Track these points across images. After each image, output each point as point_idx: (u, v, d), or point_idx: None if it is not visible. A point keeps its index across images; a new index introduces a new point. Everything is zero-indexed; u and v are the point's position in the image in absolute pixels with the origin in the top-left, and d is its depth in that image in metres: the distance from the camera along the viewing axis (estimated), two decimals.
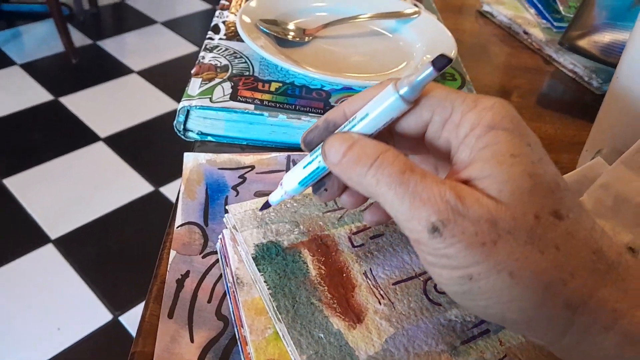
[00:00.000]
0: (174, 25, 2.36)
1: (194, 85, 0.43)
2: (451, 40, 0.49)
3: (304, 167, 0.27)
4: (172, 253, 0.33)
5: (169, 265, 0.32)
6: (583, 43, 0.54)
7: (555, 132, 0.50)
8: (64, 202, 1.49)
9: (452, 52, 0.47)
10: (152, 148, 1.70)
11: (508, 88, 0.56)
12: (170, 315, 0.30)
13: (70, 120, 1.77)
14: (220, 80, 0.44)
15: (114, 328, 1.20)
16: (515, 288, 0.21)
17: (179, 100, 0.42)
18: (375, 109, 0.24)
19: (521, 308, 0.21)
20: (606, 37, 0.52)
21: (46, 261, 1.33)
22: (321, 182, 0.28)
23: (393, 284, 0.31)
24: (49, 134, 1.71)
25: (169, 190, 1.55)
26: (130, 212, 1.48)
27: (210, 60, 0.46)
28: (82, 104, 1.84)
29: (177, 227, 0.35)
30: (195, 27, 2.37)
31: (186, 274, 0.32)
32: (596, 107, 0.42)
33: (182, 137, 0.43)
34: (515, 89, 0.56)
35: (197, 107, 0.41)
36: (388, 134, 0.26)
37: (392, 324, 0.29)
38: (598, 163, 0.36)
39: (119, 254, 1.37)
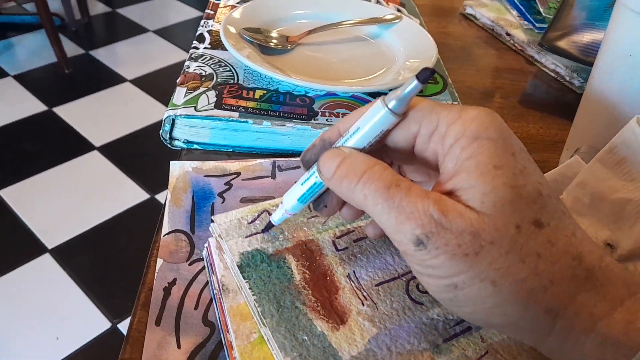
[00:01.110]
0: (165, 33, 2.37)
1: (179, 95, 0.44)
2: (432, 43, 0.50)
3: (302, 184, 0.29)
4: (159, 261, 0.34)
5: (155, 274, 0.33)
6: (562, 44, 0.54)
7: (537, 132, 0.51)
8: (60, 211, 1.49)
9: (433, 56, 0.48)
10: (147, 155, 1.70)
11: (491, 89, 0.57)
12: (158, 322, 0.30)
13: (65, 130, 1.77)
14: (205, 89, 0.44)
15: (113, 336, 1.20)
16: (499, 295, 0.22)
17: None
18: (366, 124, 0.26)
19: (504, 313, 0.22)
20: (585, 37, 0.53)
21: (43, 271, 1.33)
22: (320, 198, 0.29)
23: (376, 285, 0.32)
24: (44, 144, 1.71)
25: (164, 198, 1.55)
26: (127, 219, 1.48)
27: (195, 70, 0.47)
28: (76, 114, 1.84)
29: (164, 235, 0.36)
30: (187, 35, 2.38)
31: (173, 282, 0.33)
32: (577, 107, 0.43)
33: (169, 145, 0.44)
34: (498, 90, 0.57)
35: (182, 116, 0.42)
36: (381, 148, 0.27)
37: (375, 325, 0.30)
38: (576, 161, 0.37)
39: (116, 261, 1.38)
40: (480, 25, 0.71)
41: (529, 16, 0.67)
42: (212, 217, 0.35)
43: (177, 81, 0.46)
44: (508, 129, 0.24)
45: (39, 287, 1.30)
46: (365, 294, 0.31)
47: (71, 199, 1.53)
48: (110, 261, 1.38)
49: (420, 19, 0.63)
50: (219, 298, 0.31)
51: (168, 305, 0.31)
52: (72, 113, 1.84)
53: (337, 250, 0.34)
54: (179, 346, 0.29)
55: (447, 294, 0.23)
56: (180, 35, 2.37)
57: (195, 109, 0.42)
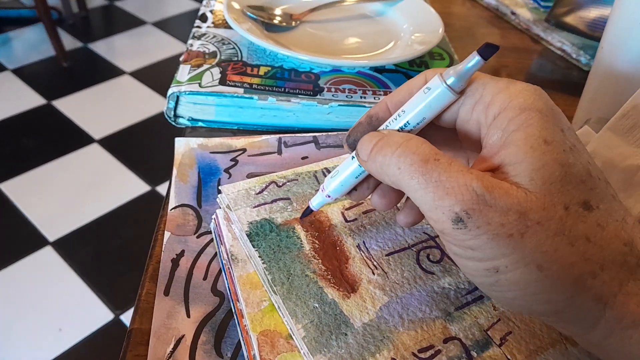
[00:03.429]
0: (164, 25, 2.36)
1: (183, 72, 0.43)
2: (438, 19, 0.50)
3: (345, 169, 0.27)
4: (167, 234, 0.33)
5: (163, 246, 0.33)
6: (569, 19, 0.54)
7: None
8: (61, 204, 1.49)
9: (439, 30, 0.48)
10: (147, 148, 1.70)
11: (496, 67, 0.57)
12: (167, 292, 0.30)
13: (64, 123, 1.76)
14: (209, 65, 0.44)
15: (116, 327, 1.20)
16: (544, 281, 0.20)
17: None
18: (420, 102, 0.24)
19: (549, 300, 0.21)
20: (592, 12, 0.53)
21: (45, 263, 1.33)
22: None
23: (386, 255, 0.32)
24: (44, 138, 1.71)
25: (165, 189, 1.55)
26: (128, 211, 1.48)
27: (198, 48, 0.46)
28: (75, 107, 1.83)
29: (171, 210, 0.35)
30: (185, 27, 2.37)
31: (181, 254, 0.32)
32: (584, 83, 0.42)
33: (173, 123, 0.43)
34: (504, 68, 0.57)
35: (187, 93, 0.41)
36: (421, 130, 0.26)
37: (386, 293, 0.29)
38: (585, 131, 0.37)
39: (118, 253, 1.37)
40: (485, 6, 0.70)
41: None
42: (220, 188, 0.34)
43: (180, 59, 0.45)
44: (555, 105, 0.23)
45: (41, 279, 1.29)
46: (375, 263, 0.31)
47: (72, 192, 1.53)
48: (112, 253, 1.38)
49: None
50: (228, 268, 0.31)
51: (176, 276, 0.31)
52: (71, 106, 1.84)
53: (347, 221, 0.34)
54: (188, 315, 0.29)
55: (488, 278, 0.21)
56: (179, 27, 2.36)
57: (200, 86, 0.42)
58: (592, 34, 0.53)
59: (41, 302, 1.24)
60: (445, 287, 0.30)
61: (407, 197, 0.28)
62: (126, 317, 1.22)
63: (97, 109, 1.84)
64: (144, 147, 1.70)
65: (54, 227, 1.42)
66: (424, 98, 0.24)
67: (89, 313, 1.23)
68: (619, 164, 0.33)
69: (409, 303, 0.29)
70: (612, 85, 0.38)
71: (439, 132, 0.26)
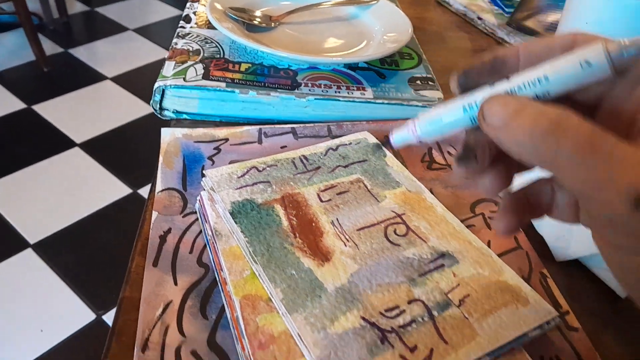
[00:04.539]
0: (145, 31, 2.37)
1: (168, 67, 0.46)
2: (407, 21, 0.54)
3: (449, 116, 0.23)
4: (154, 214, 0.36)
5: (151, 224, 0.35)
6: (529, 23, 0.58)
7: None
8: (42, 207, 1.49)
9: (408, 30, 0.51)
10: (129, 152, 1.71)
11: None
12: (155, 264, 0.33)
13: (45, 127, 1.76)
14: (193, 62, 0.47)
15: (98, 327, 1.21)
16: None
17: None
18: (572, 76, 0.20)
19: None
20: (549, 16, 0.57)
21: (26, 266, 1.33)
22: (469, 150, 0.23)
23: (357, 230, 0.35)
24: (25, 142, 1.71)
25: (147, 193, 1.56)
26: (109, 214, 1.49)
27: (182, 46, 0.49)
28: (56, 112, 1.83)
29: (158, 192, 0.38)
30: (167, 33, 2.39)
31: (168, 231, 0.35)
32: None
33: (159, 115, 0.46)
34: None
35: (172, 87, 0.44)
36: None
37: (356, 262, 0.32)
38: None
39: (100, 255, 1.38)
40: (454, 11, 0.75)
41: (498, 1, 0.70)
42: (204, 172, 0.37)
43: (166, 56, 0.48)
44: None
45: (22, 281, 1.29)
46: (347, 237, 0.34)
47: (53, 195, 1.53)
48: (93, 255, 1.38)
49: (397, 3, 0.66)
50: (213, 243, 0.34)
51: (164, 250, 0.34)
52: (52, 111, 1.84)
53: (322, 201, 0.37)
54: (175, 283, 0.32)
55: None
56: (160, 33, 2.38)
57: (184, 80, 0.44)
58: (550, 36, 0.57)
59: (22, 303, 1.24)
60: (410, 257, 0.33)
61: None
62: (108, 317, 1.23)
63: (79, 114, 1.85)
64: (125, 151, 1.71)
65: (35, 229, 1.42)
66: (578, 72, 0.20)
67: (71, 314, 1.23)
68: None
69: (377, 270, 0.32)
70: None
71: (577, 99, 0.22)
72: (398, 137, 0.26)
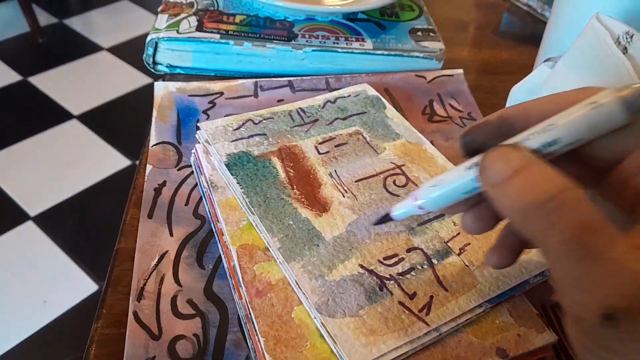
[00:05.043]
0: (141, 1, 2.33)
1: (161, 20, 0.44)
2: None
3: (454, 179, 0.22)
4: (149, 167, 0.35)
5: (146, 177, 0.34)
6: None
7: (510, 57, 0.53)
8: (41, 180, 1.48)
9: None
10: (127, 123, 1.69)
11: (466, 21, 0.59)
12: (150, 215, 0.32)
13: (42, 99, 1.74)
14: (186, 14, 0.45)
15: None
16: None
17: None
18: (582, 118, 0.18)
19: None
20: None
21: (27, 238, 1.33)
22: None
23: (356, 181, 0.34)
24: (22, 114, 1.69)
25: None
26: (108, 185, 1.48)
27: None
28: (52, 83, 1.81)
29: (152, 146, 0.37)
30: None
31: (163, 184, 0.34)
32: None
33: (152, 70, 0.44)
34: (472, 22, 0.59)
35: (165, 39, 0.43)
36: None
37: (354, 212, 0.32)
38: (542, 68, 0.39)
39: (100, 226, 1.38)
40: None
41: None
42: (198, 124, 0.36)
43: (159, 9, 0.46)
44: None
45: (24, 253, 1.30)
46: (345, 188, 0.33)
47: (52, 167, 1.52)
48: (93, 226, 1.38)
49: None
50: (208, 194, 0.33)
51: (159, 202, 0.33)
52: (48, 82, 1.81)
53: (320, 153, 0.36)
54: (171, 234, 0.31)
55: None
56: (157, 3, 2.33)
57: (178, 32, 0.43)
58: None
59: (25, 275, 1.25)
60: None
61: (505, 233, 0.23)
62: None
63: (75, 85, 1.82)
64: (123, 122, 1.69)
65: (34, 201, 1.41)
66: (588, 113, 0.18)
67: (73, 285, 1.24)
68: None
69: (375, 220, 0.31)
70: (569, 28, 0.41)
71: (582, 163, 0.20)
72: (400, 210, 0.25)
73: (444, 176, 0.22)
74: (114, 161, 1.55)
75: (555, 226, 0.17)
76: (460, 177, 0.21)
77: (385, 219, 0.26)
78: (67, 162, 1.54)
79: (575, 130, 0.18)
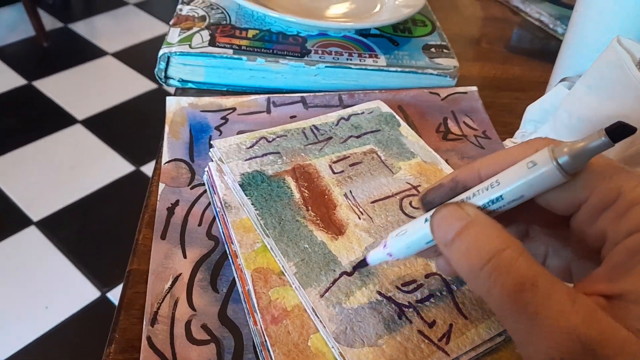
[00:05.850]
0: (146, 6, 2.33)
1: (173, 34, 0.44)
2: None
3: (415, 231, 0.23)
4: (161, 185, 0.35)
5: (158, 196, 0.34)
6: None
7: (522, 73, 0.52)
8: (44, 184, 1.48)
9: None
10: (131, 128, 1.69)
11: (477, 36, 0.59)
12: (163, 236, 0.31)
13: (46, 103, 1.74)
14: (199, 28, 0.45)
15: (103, 304, 1.21)
16: None
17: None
18: (522, 177, 0.19)
19: None
20: None
21: (30, 243, 1.32)
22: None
23: (371, 202, 0.33)
24: (26, 118, 1.69)
25: (150, 169, 1.55)
26: (112, 191, 1.48)
27: (187, 12, 0.47)
28: (57, 88, 1.81)
29: (165, 163, 0.37)
30: (168, 8, 2.34)
31: (176, 203, 0.34)
32: None
33: (164, 84, 0.44)
34: (484, 37, 0.59)
35: (177, 54, 0.42)
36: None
37: (371, 235, 0.31)
38: (560, 88, 0.39)
39: (103, 232, 1.37)
40: None
41: None
42: (212, 142, 0.36)
43: (170, 22, 0.46)
44: None
45: (26, 258, 1.29)
46: (361, 209, 0.33)
47: (55, 172, 1.52)
48: (97, 232, 1.38)
49: None
50: (222, 215, 0.32)
51: (172, 223, 0.32)
52: (53, 87, 1.81)
53: (334, 173, 0.35)
54: (184, 256, 0.30)
55: None
56: (162, 8, 2.33)
57: (190, 47, 0.43)
58: (569, 2, 0.55)
59: (27, 280, 1.24)
60: None
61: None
62: (113, 295, 1.23)
63: (80, 90, 1.82)
64: (128, 127, 1.69)
65: (37, 206, 1.41)
66: (525, 173, 0.19)
67: (76, 291, 1.23)
68: (590, 117, 0.35)
69: None
70: (585, 46, 0.40)
71: (541, 213, 0.21)
72: (373, 256, 0.26)
73: (408, 226, 0.23)
74: (118, 167, 1.55)
75: (496, 286, 0.17)
76: (420, 229, 0.22)
77: (362, 264, 0.27)
78: (70, 167, 1.54)
79: (517, 189, 0.19)
